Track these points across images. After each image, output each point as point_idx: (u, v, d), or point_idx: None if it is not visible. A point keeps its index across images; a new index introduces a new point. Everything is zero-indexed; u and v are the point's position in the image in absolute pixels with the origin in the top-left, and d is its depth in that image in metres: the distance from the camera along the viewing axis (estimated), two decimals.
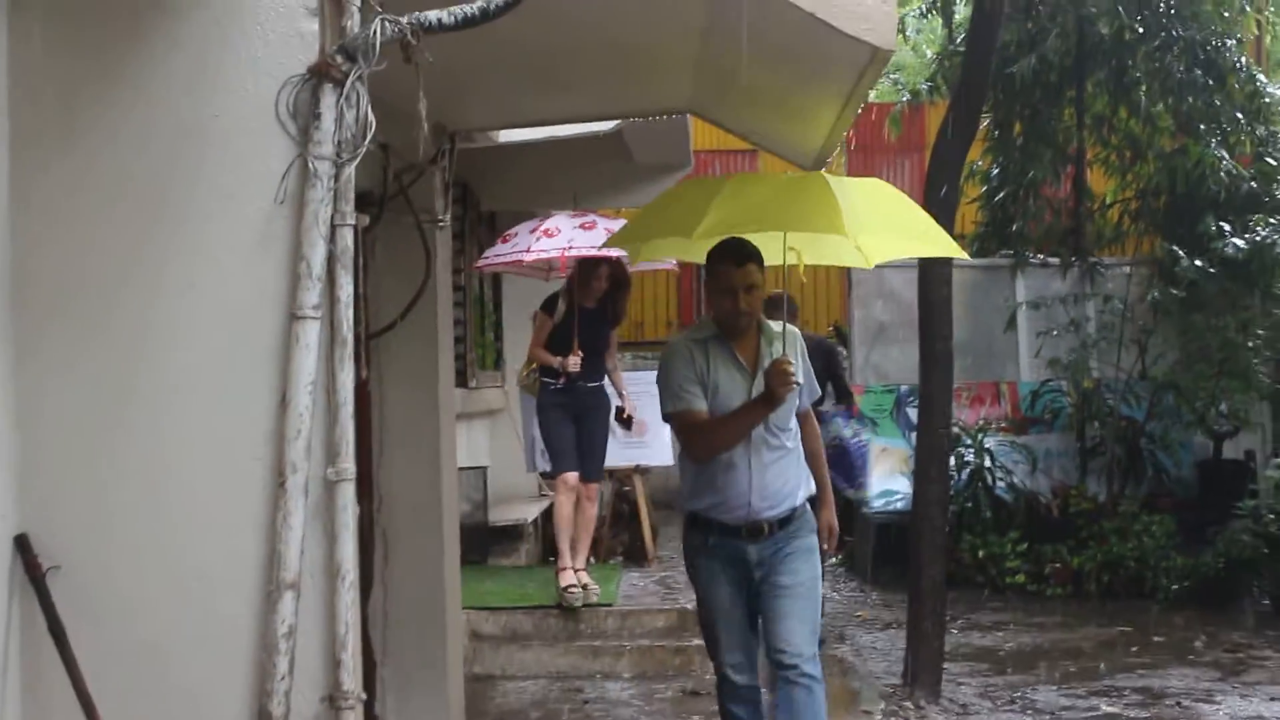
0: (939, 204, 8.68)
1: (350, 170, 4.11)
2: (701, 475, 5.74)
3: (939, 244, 6.17)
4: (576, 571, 9.40)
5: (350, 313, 4.18)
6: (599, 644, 8.91)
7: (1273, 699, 8.86)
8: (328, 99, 4.06)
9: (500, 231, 12.50)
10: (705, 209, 5.57)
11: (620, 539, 11.35)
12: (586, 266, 9.75)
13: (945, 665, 8.99)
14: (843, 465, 12.90)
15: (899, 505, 12.62)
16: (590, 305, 9.73)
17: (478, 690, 8.09)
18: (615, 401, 10.10)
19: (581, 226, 10.08)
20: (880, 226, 6.03)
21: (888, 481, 13.17)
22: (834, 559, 13.83)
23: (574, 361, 9.48)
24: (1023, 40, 13.64)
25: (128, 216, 4.17)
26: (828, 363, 10.71)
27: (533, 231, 10.19)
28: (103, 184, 4.17)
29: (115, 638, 4.15)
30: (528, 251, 10.13)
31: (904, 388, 13.19)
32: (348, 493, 4.19)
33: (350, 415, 4.19)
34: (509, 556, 11.05)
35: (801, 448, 5.89)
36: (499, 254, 10.58)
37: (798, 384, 5.59)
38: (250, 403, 4.12)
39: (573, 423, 9.66)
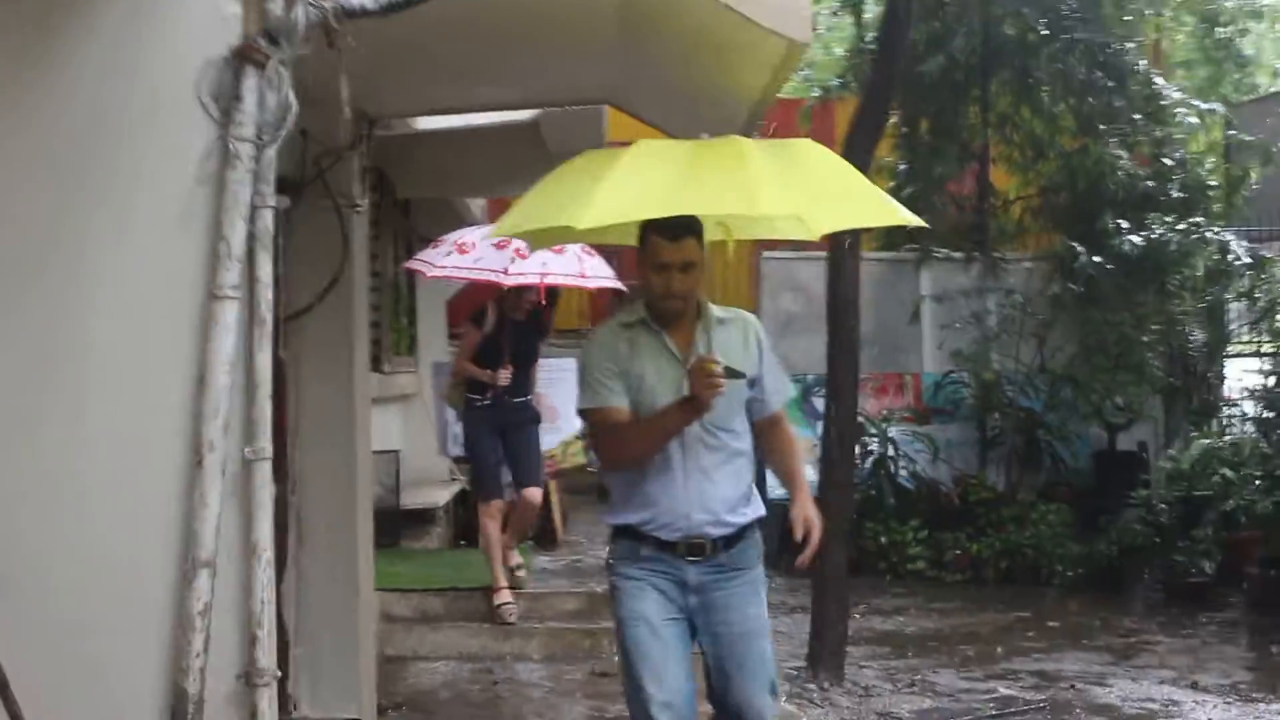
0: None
1: (271, 152, 4.08)
2: (632, 483, 4.84)
3: (886, 210, 5.05)
4: (507, 552, 9.28)
5: (269, 293, 4.15)
6: (510, 626, 8.89)
7: (1162, 682, 9.02)
8: (249, 81, 4.02)
9: (416, 219, 12.44)
10: (593, 191, 4.53)
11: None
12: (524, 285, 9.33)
13: (848, 649, 9.08)
14: None
15: None
16: (520, 318, 9.37)
17: (390, 671, 8.06)
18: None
19: (552, 250, 9.41)
20: (822, 193, 4.89)
21: None
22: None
23: (505, 375, 9.13)
24: (931, 40, 13.74)
25: (47, 196, 4.10)
26: None
27: (498, 247, 9.18)
28: (20, 164, 4.10)
29: (29, 614, 4.07)
30: (505, 274, 9.18)
31: (810, 377, 13.24)
32: (264, 472, 4.16)
33: (268, 395, 4.16)
34: (421, 540, 11.01)
35: (750, 452, 4.96)
36: (460, 266, 9.76)
37: (720, 390, 4.55)
38: (169, 382, 4.06)
39: (499, 438, 9.29)
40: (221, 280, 4.02)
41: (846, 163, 5.26)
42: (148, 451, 4.10)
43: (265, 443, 4.15)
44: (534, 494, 9.44)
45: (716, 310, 4.98)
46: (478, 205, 13.28)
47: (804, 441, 13.17)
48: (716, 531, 4.80)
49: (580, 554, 10.95)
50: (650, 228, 4.72)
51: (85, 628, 4.10)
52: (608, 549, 5.04)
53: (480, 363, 9.23)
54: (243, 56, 4.02)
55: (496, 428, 9.28)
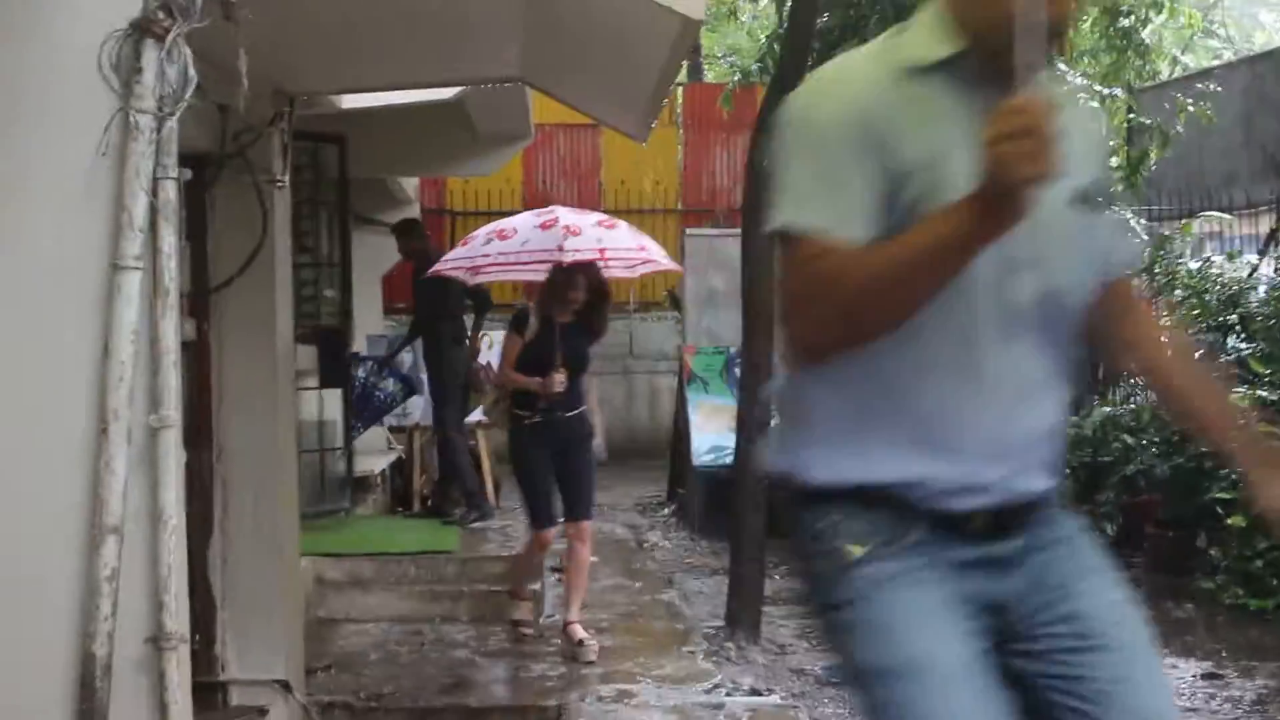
0: (760, 175, 8.71)
1: (173, 124, 3.94)
2: (867, 387, 2.42)
3: None
4: (569, 625, 7.87)
5: (173, 264, 4.02)
6: (439, 589, 8.80)
7: None
8: (149, 54, 3.87)
9: (355, 197, 12.25)
10: None
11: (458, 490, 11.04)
12: (562, 276, 8.13)
13: (765, 609, 9.01)
14: None
15: (727, 460, 12.57)
16: (567, 320, 8.03)
17: (321, 632, 7.94)
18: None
19: (600, 224, 8.69)
20: None
21: (718, 438, 13.15)
22: None
23: (558, 380, 7.74)
24: (846, 25, 13.66)
25: None
26: None
27: (543, 227, 8.49)
28: None
29: None
30: (560, 251, 8.27)
31: (733, 349, 13.17)
32: (170, 439, 4.03)
33: (173, 364, 4.03)
34: (357, 506, 10.85)
35: None
36: (505, 253, 8.81)
37: (1047, 171, 2.04)
38: (73, 351, 3.93)
39: (552, 461, 7.96)
40: (124, 251, 3.89)
41: None
42: (54, 420, 3.97)
43: (171, 410, 4.02)
44: (584, 527, 8.10)
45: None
46: (410, 185, 13.14)
47: (728, 410, 13.19)
48: (1034, 486, 2.50)
49: (509, 520, 10.82)
50: None
51: None
52: (798, 546, 2.66)
53: (525, 374, 7.97)
54: (143, 29, 3.87)
55: (547, 447, 7.97)
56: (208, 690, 5.85)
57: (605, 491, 15.15)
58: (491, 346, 11.88)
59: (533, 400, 7.86)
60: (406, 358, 11.45)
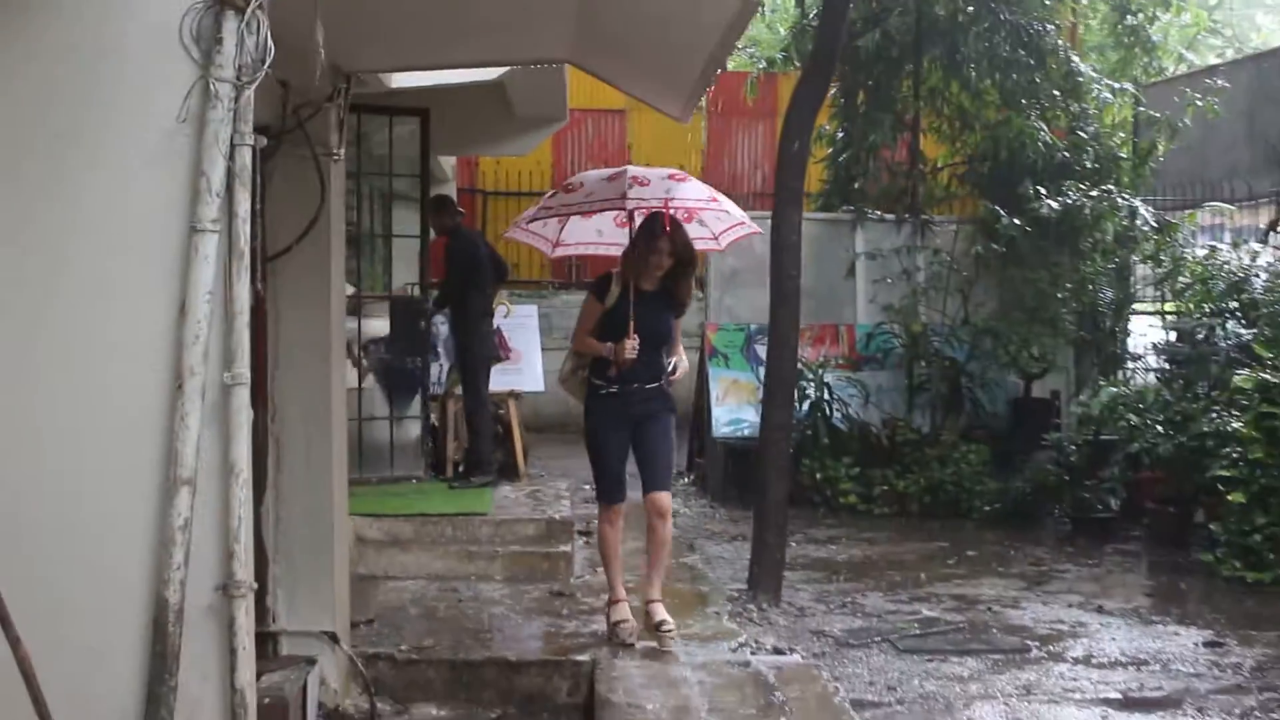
0: (791, 159, 8.70)
1: (250, 93, 3.93)
2: None
3: None
4: (650, 604, 7.30)
5: (247, 228, 4.02)
6: (474, 549, 8.79)
7: (1070, 605, 9.03)
8: (229, 25, 3.88)
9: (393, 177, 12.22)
10: None
11: (496, 455, 11.02)
12: (645, 239, 7.28)
13: (785, 573, 9.03)
14: None
15: (746, 432, 12.65)
16: (649, 288, 7.31)
17: (362, 588, 7.94)
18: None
19: (671, 177, 7.67)
20: None
21: (737, 411, 13.18)
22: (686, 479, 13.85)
23: (630, 346, 7.10)
24: (868, 17, 13.67)
25: (42, 132, 3.96)
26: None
27: (610, 180, 7.58)
28: (21, 97, 3.96)
29: (18, 523, 3.98)
30: (623, 199, 7.42)
31: (753, 326, 13.20)
32: (242, 396, 4.04)
33: (246, 324, 4.04)
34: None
35: None
36: (568, 204, 7.73)
37: None
38: (152, 310, 3.95)
39: (627, 431, 7.31)
40: (201, 214, 3.90)
41: None
42: (131, 376, 3.99)
43: (243, 368, 4.03)
44: (662, 500, 7.34)
45: None
46: (448, 164, 13.11)
47: (748, 385, 13.20)
48: None
49: (539, 485, 10.82)
50: None
51: (73, 539, 4.00)
52: None
53: (603, 339, 7.29)
54: (223, 1, 3.87)
55: (623, 419, 7.30)
56: (259, 640, 5.75)
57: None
58: (508, 314, 11.85)
59: (608, 368, 7.24)
60: (441, 329, 11.44)
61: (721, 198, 7.85)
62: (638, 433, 7.28)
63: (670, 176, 7.55)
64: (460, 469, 10.72)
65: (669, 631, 7.08)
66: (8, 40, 3.93)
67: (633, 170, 7.55)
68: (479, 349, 10.60)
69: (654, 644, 7.03)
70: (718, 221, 8.08)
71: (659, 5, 4.97)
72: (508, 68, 8.24)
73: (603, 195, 7.45)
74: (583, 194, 7.56)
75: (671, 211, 7.22)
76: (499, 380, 11.27)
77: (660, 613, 7.18)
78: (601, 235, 8.14)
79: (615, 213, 7.78)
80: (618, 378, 7.21)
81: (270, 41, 3.92)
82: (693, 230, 7.60)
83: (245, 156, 3.98)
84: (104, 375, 3.98)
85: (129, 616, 3.96)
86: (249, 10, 3.87)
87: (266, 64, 3.92)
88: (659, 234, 7.16)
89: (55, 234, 3.96)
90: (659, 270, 7.26)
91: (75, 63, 3.96)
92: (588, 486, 12.85)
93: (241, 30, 3.88)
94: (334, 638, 6.24)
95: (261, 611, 6.06)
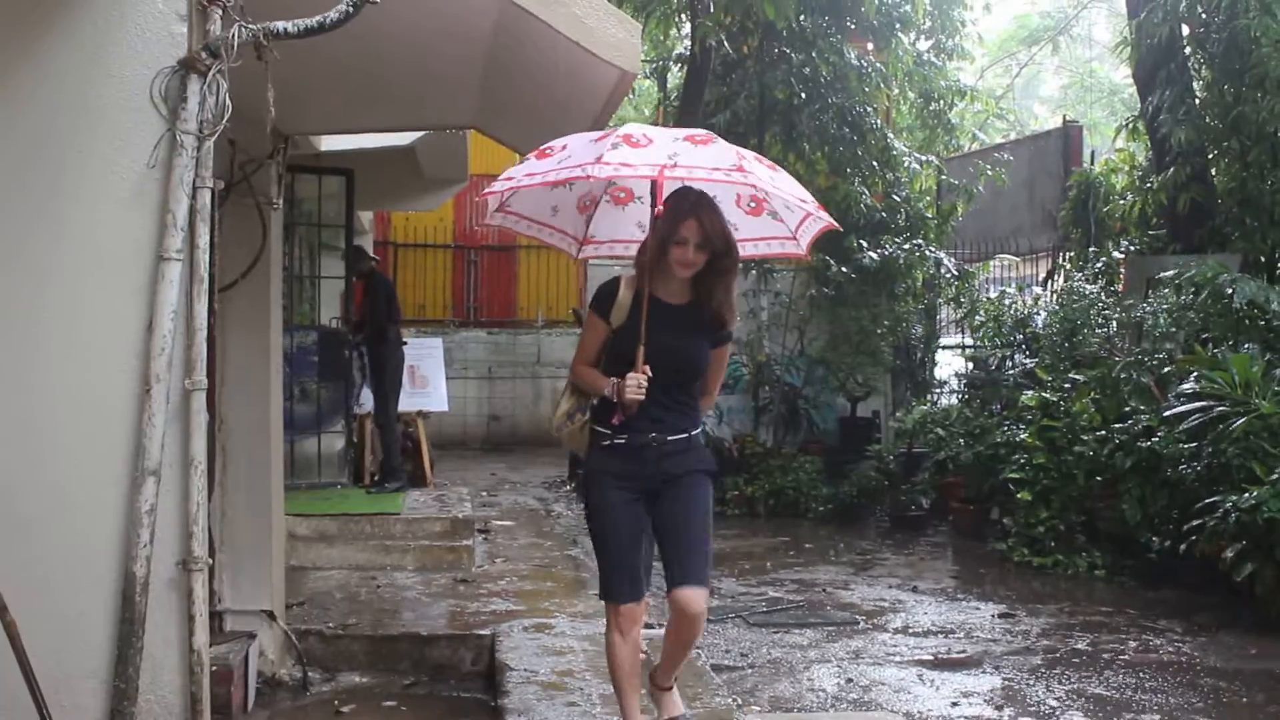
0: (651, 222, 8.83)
1: (210, 144, 3.99)
2: None
3: None
4: (659, 692, 4.71)
5: (207, 257, 4.06)
6: (389, 544, 8.76)
7: (890, 586, 9.23)
8: (194, 86, 3.93)
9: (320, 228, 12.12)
10: None
11: (406, 466, 10.96)
12: (665, 224, 4.33)
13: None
14: None
15: None
16: (674, 300, 4.48)
17: (294, 576, 7.86)
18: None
19: (688, 140, 4.42)
20: None
21: None
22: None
23: (636, 383, 4.30)
24: (720, 99, 13.88)
25: (31, 176, 3.99)
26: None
27: (596, 140, 4.38)
28: (13, 150, 3.97)
29: (7, 507, 3.98)
30: (597, 163, 4.18)
31: None
32: (200, 400, 4.07)
33: (204, 339, 4.08)
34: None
35: None
36: (534, 173, 4.32)
37: None
38: (124, 325, 3.98)
39: (640, 500, 4.48)
40: (168, 245, 3.94)
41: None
42: (106, 381, 4.01)
43: (201, 376, 4.07)
44: (694, 601, 4.49)
45: None
46: (366, 218, 13.07)
47: None
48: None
49: (444, 491, 10.79)
50: None
51: (57, 521, 4.00)
52: None
53: (609, 371, 4.47)
54: (189, 66, 3.92)
55: (635, 483, 4.48)
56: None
57: (516, 472, 15.22)
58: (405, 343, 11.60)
59: (612, 413, 4.43)
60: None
61: (780, 171, 4.67)
62: (659, 502, 4.52)
63: (688, 138, 4.42)
64: (375, 477, 10.67)
65: None
66: (4, 98, 3.93)
67: (628, 128, 4.43)
68: (391, 375, 10.59)
69: (541, 620, 7.04)
70: (788, 211, 4.77)
71: (549, 76, 5.06)
72: (420, 133, 8.27)
73: (578, 160, 4.27)
74: (557, 159, 4.37)
75: (686, 184, 4.36)
76: (410, 401, 11.25)
77: (673, 707, 4.70)
78: (642, 230, 4.71)
79: (649, 204, 4.55)
80: (625, 425, 4.43)
81: (228, 100, 3.96)
82: (760, 226, 4.80)
83: (205, 197, 4.02)
84: (83, 380, 3.99)
85: (102, 588, 3.97)
86: (210, 74, 3.92)
87: (225, 119, 3.97)
88: (684, 215, 4.32)
89: (42, 260, 3.98)
90: (686, 271, 4.41)
91: (61, 118, 3.99)
92: (485, 494, 12.94)
93: (204, 91, 3.93)
94: (272, 616, 6.21)
95: (209, 593, 6.00)
